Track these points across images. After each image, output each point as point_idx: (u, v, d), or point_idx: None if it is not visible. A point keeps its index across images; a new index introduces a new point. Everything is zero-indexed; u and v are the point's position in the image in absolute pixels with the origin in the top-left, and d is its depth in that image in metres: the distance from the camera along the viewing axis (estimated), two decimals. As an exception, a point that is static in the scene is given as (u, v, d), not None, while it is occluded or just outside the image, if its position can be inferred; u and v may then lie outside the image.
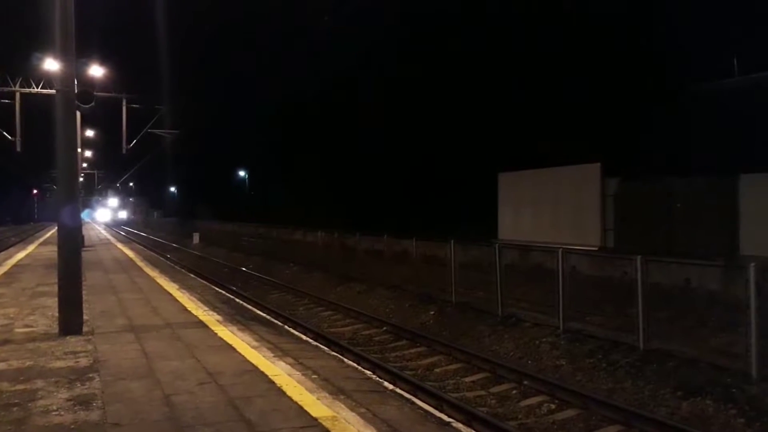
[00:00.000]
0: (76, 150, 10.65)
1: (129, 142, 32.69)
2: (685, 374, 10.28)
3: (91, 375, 7.29)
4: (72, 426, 5.63)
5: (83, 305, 10.17)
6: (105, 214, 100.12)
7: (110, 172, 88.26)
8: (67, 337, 9.32)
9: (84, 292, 10.82)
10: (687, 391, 9.73)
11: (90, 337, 9.44)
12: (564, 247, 14.88)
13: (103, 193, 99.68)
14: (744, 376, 9.67)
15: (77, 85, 10.48)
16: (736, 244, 18.20)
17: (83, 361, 7.96)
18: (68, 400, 6.37)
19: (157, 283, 16.93)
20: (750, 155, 20.55)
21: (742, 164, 19.31)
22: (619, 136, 27.70)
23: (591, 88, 30.05)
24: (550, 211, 25.19)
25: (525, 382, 11.00)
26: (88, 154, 61.33)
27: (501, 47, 35.24)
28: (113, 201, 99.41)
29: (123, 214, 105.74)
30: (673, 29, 26.61)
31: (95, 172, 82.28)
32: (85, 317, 10.19)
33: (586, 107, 30.25)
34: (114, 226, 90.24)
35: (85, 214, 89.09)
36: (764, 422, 8.57)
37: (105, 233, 52.20)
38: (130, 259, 25.33)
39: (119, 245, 35.92)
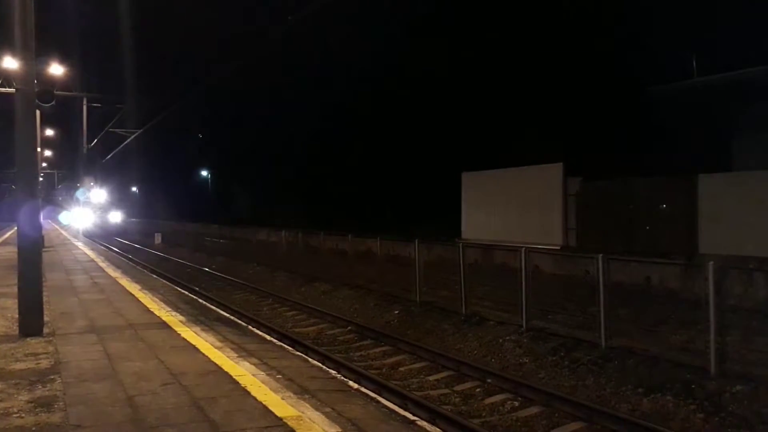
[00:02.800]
0: (36, 149, 10.48)
1: (90, 141, 32.23)
2: (646, 371, 10.49)
3: (52, 377, 7.18)
4: (33, 428, 5.55)
5: (44, 306, 10.00)
6: (84, 215, 55.40)
7: (70, 171, 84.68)
8: (28, 339, 9.15)
9: (44, 294, 10.64)
10: (648, 387, 9.93)
11: (51, 338, 9.29)
12: (527, 246, 15.06)
13: (80, 185, 56.15)
14: (703, 372, 9.91)
15: (37, 83, 10.29)
16: (696, 243, 18.58)
17: (44, 363, 7.84)
18: (29, 402, 6.26)
19: (119, 284, 16.70)
20: (710, 155, 21.04)
21: (701, 164, 19.74)
22: (581, 137, 28.09)
23: (554, 90, 30.42)
24: (513, 210, 25.43)
25: (489, 380, 11.11)
26: (48, 153, 60.21)
27: (466, 49, 35.49)
28: (99, 194, 55.34)
29: (116, 217, 61.83)
30: (634, 31, 27.06)
31: (55, 171, 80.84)
32: (45, 318, 10.02)
33: (549, 108, 30.61)
34: (101, 237, 54.66)
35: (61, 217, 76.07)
36: (722, 417, 8.79)
37: (65, 234, 51.01)
38: (92, 260, 24.93)
39: (80, 246, 35.32)
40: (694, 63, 23.53)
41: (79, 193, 48.97)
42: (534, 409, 9.77)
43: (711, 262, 10.25)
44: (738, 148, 21.19)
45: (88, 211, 51.35)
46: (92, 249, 32.79)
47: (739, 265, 14.24)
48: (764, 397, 8.97)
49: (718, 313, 9.96)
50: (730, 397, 9.17)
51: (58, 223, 69.19)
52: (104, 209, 54.91)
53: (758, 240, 16.73)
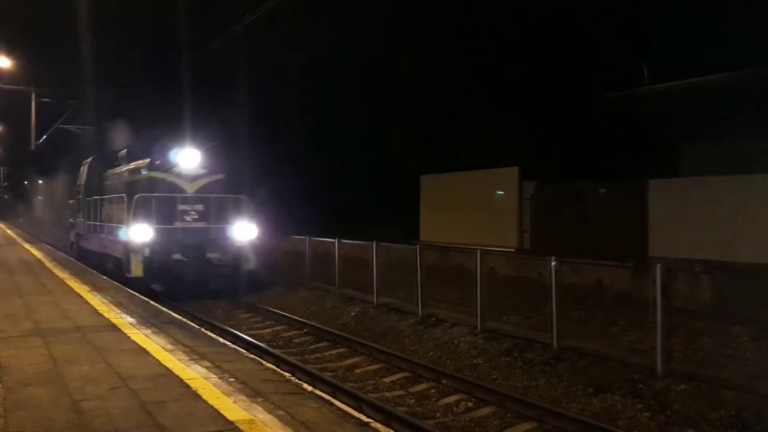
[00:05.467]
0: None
1: (39, 137, 31.44)
2: (596, 371, 10.67)
3: (-8, 382, 6.97)
4: (-29, 435, 5.38)
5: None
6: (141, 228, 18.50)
7: (18, 168, 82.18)
8: (-31, 343, 8.88)
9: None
10: (597, 387, 10.10)
11: (-7, 341, 9.03)
12: (483, 248, 15.16)
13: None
14: (650, 371, 10.13)
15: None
16: (646, 246, 18.95)
17: (-15, 368, 7.60)
18: (-33, 408, 6.06)
19: (67, 285, 16.32)
20: (660, 161, 21.47)
21: (652, 169, 20.15)
22: (537, 142, 28.39)
23: (511, 96, 30.70)
24: (470, 213, 25.64)
25: (443, 381, 11.16)
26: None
27: (427, 53, 35.58)
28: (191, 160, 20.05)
29: (248, 232, 20.18)
30: (587, 37, 27.45)
31: (0, 168, 79.06)
32: (-12, 321, 9.75)
33: (506, 114, 30.87)
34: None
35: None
36: (668, 415, 8.99)
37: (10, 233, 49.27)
38: (39, 260, 24.31)
39: (26, 245, 34.43)
40: (645, 71, 23.97)
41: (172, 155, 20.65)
42: (487, 410, 9.84)
43: (659, 265, 10.48)
44: (686, 155, 21.68)
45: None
46: (39, 249, 31.65)
47: (686, 268, 14.57)
48: (707, 395, 9.22)
49: (665, 314, 10.20)
50: (676, 395, 9.41)
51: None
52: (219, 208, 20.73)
53: (704, 243, 17.19)
